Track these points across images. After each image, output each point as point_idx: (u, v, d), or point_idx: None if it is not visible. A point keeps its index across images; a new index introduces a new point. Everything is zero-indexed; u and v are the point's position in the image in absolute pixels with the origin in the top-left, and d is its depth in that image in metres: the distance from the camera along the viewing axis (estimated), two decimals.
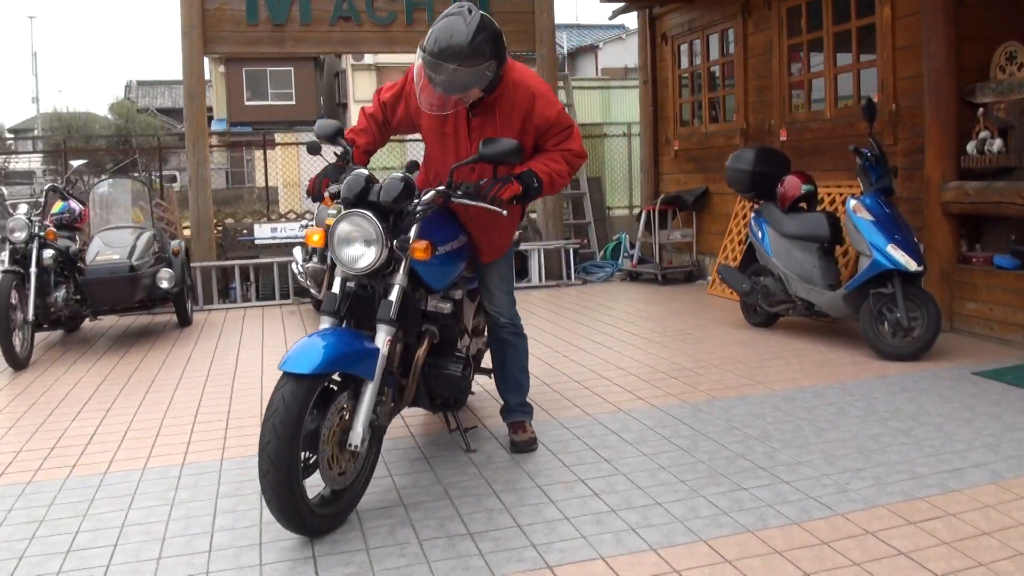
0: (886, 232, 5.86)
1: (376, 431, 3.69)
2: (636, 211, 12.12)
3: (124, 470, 4.40)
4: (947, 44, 6.42)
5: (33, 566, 3.30)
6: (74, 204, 8.87)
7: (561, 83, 12.32)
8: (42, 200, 8.09)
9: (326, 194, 3.88)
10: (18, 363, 7.04)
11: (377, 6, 10.43)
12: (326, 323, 3.63)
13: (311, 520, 3.37)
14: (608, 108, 14.63)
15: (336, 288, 3.71)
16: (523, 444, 4.45)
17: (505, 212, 3.85)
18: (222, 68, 33.49)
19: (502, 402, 4.66)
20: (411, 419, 5.01)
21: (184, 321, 8.77)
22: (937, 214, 6.57)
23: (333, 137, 3.97)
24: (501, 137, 3.82)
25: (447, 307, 4.01)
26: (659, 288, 9.96)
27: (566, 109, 11.91)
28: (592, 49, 31.74)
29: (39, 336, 8.26)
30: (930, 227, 6.62)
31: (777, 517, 3.44)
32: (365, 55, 34.30)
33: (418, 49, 3.80)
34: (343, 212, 3.61)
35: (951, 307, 6.59)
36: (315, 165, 10.75)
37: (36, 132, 36.51)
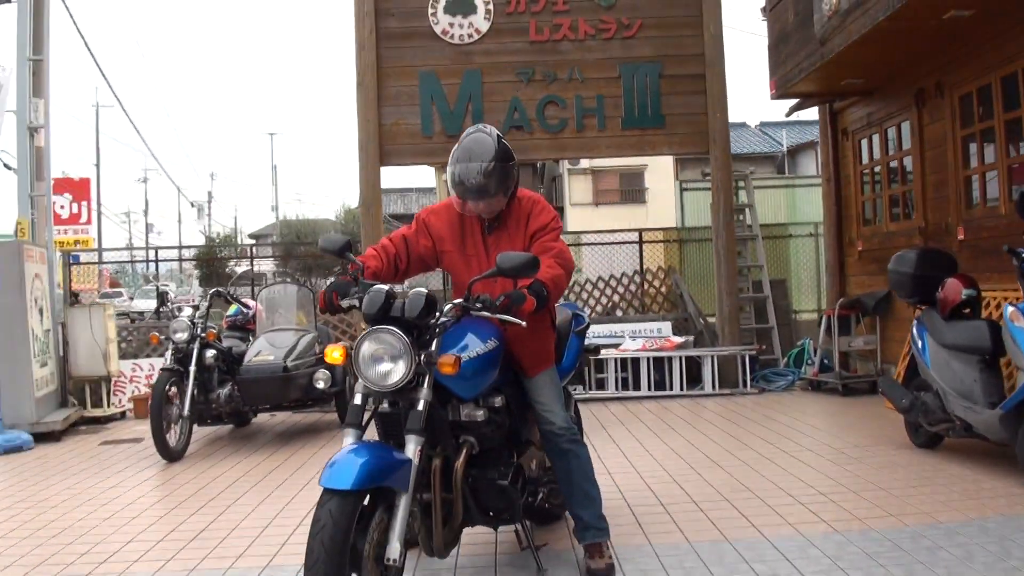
0: None
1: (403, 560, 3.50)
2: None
3: (209, 568, 4.50)
4: None
5: None
6: (245, 308, 9.33)
7: (741, 182, 11.92)
8: (206, 303, 8.51)
9: (344, 304, 3.82)
10: (171, 455, 7.38)
11: (548, 115, 10.54)
12: (350, 436, 3.52)
13: None
14: (793, 207, 14.00)
15: (358, 400, 3.60)
16: (598, 572, 4.13)
17: (524, 323, 3.73)
18: (445, 176, 34.95)
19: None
20: (500, 534, 4.79)
21: (344, 420, 8.91)
22: None
23: (340, 251, 3.93)
24: (517, 251, 3.82)
25: (480, 414, 3.84)
26: (838, 399, 9.25)
27: (747, 210, 11.65)
28: (812, 146, 30.84)
29: (209, 429, 8.67)
30: None
31: None
32: (581, 160, 34.94)
33: (449, 165, 3.96)
34: (367, 329, 3.52)
35: None
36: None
37: (274, 238, 39.27)
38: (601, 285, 12.11)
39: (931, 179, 8.35)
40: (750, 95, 75.43)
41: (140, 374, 10.66)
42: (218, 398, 8.05)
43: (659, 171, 32.14)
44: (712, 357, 10.15)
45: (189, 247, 18.56)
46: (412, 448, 3.47)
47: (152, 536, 5.14)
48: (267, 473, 6.77)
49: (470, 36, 10.63)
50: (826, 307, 11.01)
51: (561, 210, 37.17)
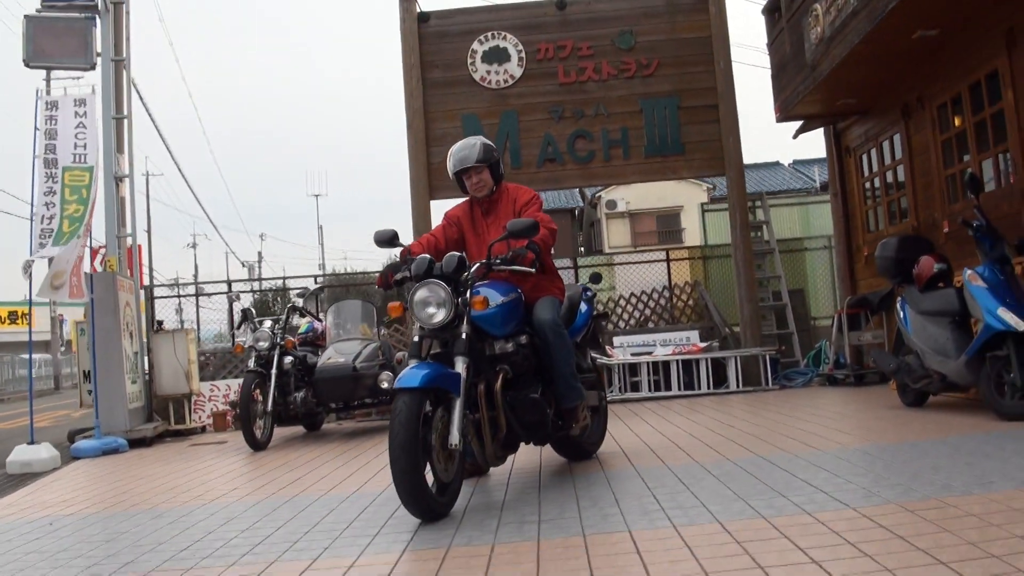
0: (998, 297, 6.12)
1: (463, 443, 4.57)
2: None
3: (307, 495, 5.43)
4: None
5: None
6: (317, 324, 10.50)
7: (758, 202, 12.96)
8: (283, 316, 9.69)
9: (397, 277, 5.07)
10: (257, 445, 8.51)
11: (578, 147, 11.68)
12: (413, 363, 4.62)
13: (432, 504, 4.34)
14: (807, 222, 15.02)
15: (416, 339, 4.84)
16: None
17: (533, 270, 5.13)
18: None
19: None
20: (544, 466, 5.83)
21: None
22: None
23: (391, 240, 5.24)
24: (517, 219, 5.13)
25: (509, 347, 5.08)
26: (852, 390, 10.13)
27: (764, 227, 12.66)
28: None
29: (285, 433, 9.80)
30: None
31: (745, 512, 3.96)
32: (618, 204, 36.17)
33: (450, 157, 5.57)
34: (419, 283, 4.75)
35: None
36: None
37: (323, 293, 40.91)
38: (634, 300, 13.15)
39: (919, 183, 9.35)
40: (783, 136, 76.71)
41: (218, 393, 11.82)
42: (295, 400, 9.23)
43: (694, 211, 33.02)
44: (736, 358, 11.10)
45: (236, 281, 19.60)
46: (460, 365, 4.65)
47: (253, 485, 6.25)
48: (342, 452, 7.83)
49: (505, 81, 11.84)
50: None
51: (600, 253, 38.35)
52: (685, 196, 33.48)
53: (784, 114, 10.62)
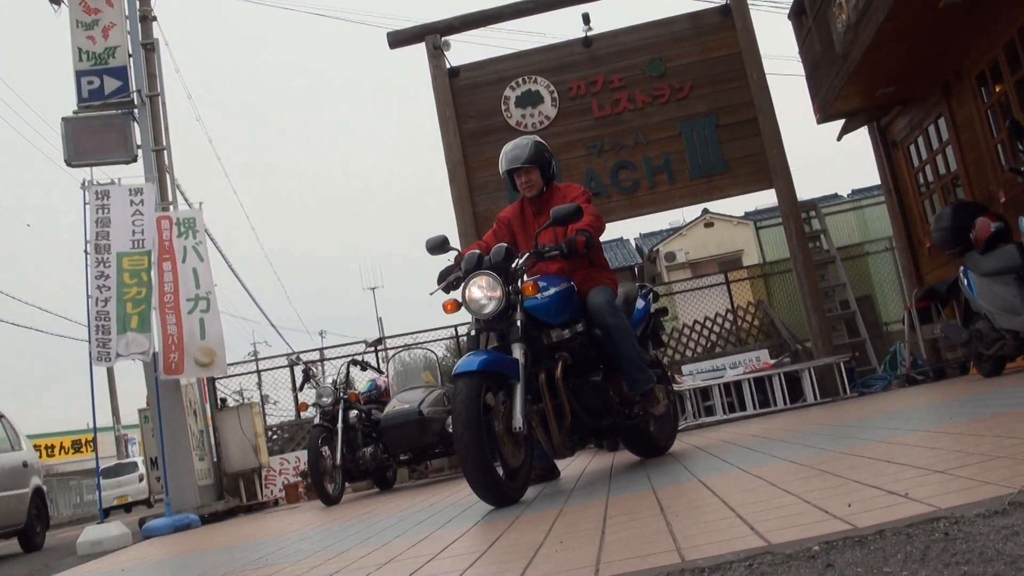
0: None
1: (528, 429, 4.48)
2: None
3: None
4: None
5: None
6: (379, 381, 10.49)
7: (812, 212, 12.78)
8: (344, 370, 9.71)
9: (451, 278, 5.09)
10: (329, 499, 8.45)
11: (621, 178, 11.62)
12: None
13: (501, 487, 4.28)
14: (865, 227, 14.75)
15: (473, 334, 4.80)
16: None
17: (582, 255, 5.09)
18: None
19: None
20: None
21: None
22: None
23: (441, 245, 5.24)
24: (561, 205, 5.03)
25: (566, 333, 5.00)
26: (932, 385, 9.76)
27: (821, 236, 12.46)
28: None
29: (358, 495, 9.70)
30: None
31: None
32: (677, 256, 36.07)
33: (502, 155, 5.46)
34: (471, 275, 4.71)
35: None
36: None
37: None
38: (698, 328, 12.97)
39: (969, 158, 9.14)
40: (840, 169, 76.94)
41: (288, 467, 11.82)
42: (364, 455, 9.16)
43: (756, 255, 32.69)
44: (809, 370, 10.80)
45: (294, 353, 19.21)
46: (518, 351, 4.58)
47: (324, 520, 6.25)
48: (417, 500, 7.64)
49: (541, 123, 11.89)
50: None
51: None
52: (743, 239, 33.16)
53: (823, 114, 10.51)
